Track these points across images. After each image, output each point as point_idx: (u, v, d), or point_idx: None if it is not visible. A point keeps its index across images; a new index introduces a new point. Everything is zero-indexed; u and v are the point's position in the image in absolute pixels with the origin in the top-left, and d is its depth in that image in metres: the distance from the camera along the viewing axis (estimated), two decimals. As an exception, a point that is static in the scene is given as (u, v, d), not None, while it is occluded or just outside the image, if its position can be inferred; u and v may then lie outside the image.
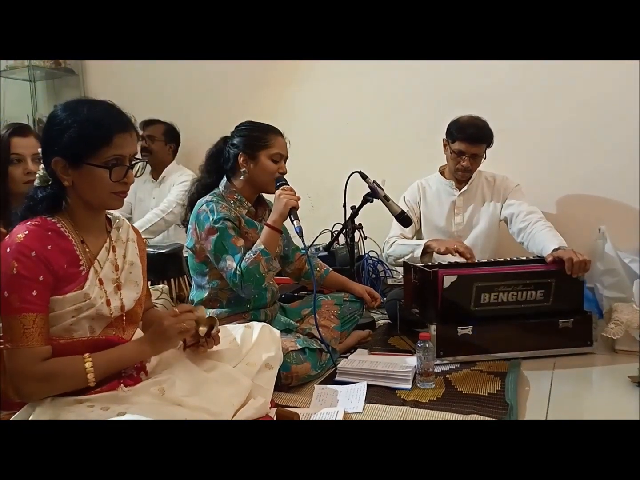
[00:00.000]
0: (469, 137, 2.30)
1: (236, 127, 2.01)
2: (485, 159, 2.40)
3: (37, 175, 1.25)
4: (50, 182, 1.23)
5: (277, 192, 1.87)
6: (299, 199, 1.87)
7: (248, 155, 1.92)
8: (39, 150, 1.74)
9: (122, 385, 1.23)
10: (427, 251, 2.28)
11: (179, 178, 3.11)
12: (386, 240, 2.48)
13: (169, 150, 3.22)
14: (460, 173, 2.40)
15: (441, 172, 2.54)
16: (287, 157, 1.98)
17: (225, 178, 1.98)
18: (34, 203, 1.23)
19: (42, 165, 1.24)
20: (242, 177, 1.94)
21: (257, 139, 1.92)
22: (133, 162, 1.25)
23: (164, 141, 3.19)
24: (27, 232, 1.17)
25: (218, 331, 1.42)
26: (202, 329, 1.38)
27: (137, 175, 1.28)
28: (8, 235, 1.18)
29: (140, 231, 2.91)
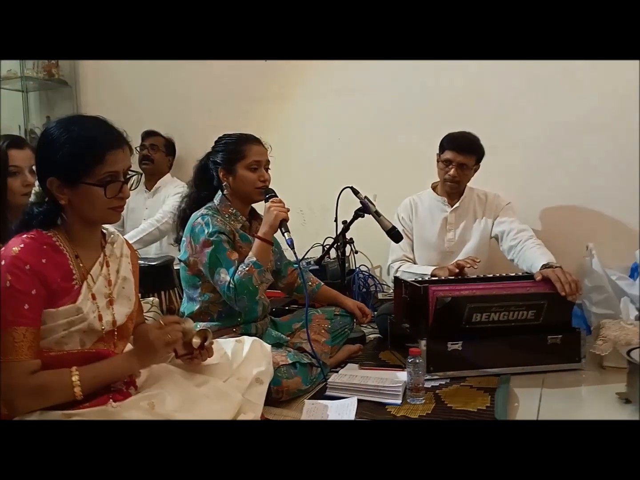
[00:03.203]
0: (457, 146, 2.36)
1: (215, 141, 2.03)
2: (473, 172, 2.43)
3: (33, 191, 1.25)
4: (46, 199, 1.24)
5: (267, 204, 1.87)
6: (288, 210, 1.87)
7: (226, 170, 1.94)
8: None
9: (111, 400, 1.22)
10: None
11: (174, 189, 3.14)
12: (390, 265, 2.50)
13: (167, 162, 3.30)
14: (449, 184, 2.42)
15: (433, 189, 2.56)
16: (267, 163, 1.98)
17: (220, 192, 1.99)
18: (29, 218, 1.23)
19: (37, 183, 1.25)
20: (226, 192, 1.96)
21: (231, 152, 1.94)
22: (128, 177, 1.25)
23: (164, 152, 3.27)
24: (22, 246, 1.17)
25: (211, 343, 1.42)
26: (196, 341, 1.38)
27: (132, 188, 1.29)
28: (3, 248, 1.18)
29: (134, 240, 2.90)
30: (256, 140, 1.97)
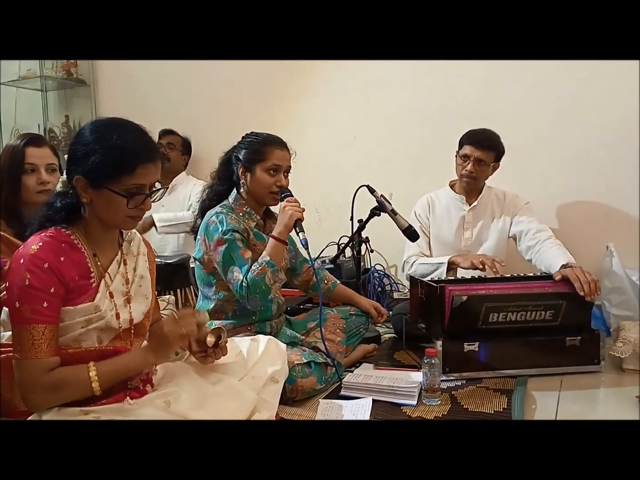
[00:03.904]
0: (476, 141, 2.35)
1: (242, 137, 2.02)
2: (492, 170, 2.40)
3: (60, 179, 1.26)
4: (70, 191, 1.25)
5: (282, 203, 1.87)
6: (303, 210, 1.87)
7: (245, 168, 1.93)
8: (53, 160, 1.77)
9: (127, 397, 1.23)
10: (451, 267, 2.29)
11: (195, 187, 3.15)
12: (405, 260, 2.48)
13: (183, 161, 3.33)
14: (465, 180, 2.40)
15: (452, 187, 2.54)
16: (288, 168, 1.96)
17: (235, 190, 1.99)
18: (52, 212, 1.24)
19: (65, 173, 1.26)
20: (241, 189, 1.96)
21: (253, 152, 1.92)
22: (153, 190, 1.25)
23: (180, 151, 3.30)
24: (40, 244, 1.18)
25: (225, 342, 1.42)
26: (210, 340, 1.39)
27: (155, 201, 1.29)
28: (22, 246, 1.19)
29: (169, 223, 2.94)
30: (281, 144, 1.95)
